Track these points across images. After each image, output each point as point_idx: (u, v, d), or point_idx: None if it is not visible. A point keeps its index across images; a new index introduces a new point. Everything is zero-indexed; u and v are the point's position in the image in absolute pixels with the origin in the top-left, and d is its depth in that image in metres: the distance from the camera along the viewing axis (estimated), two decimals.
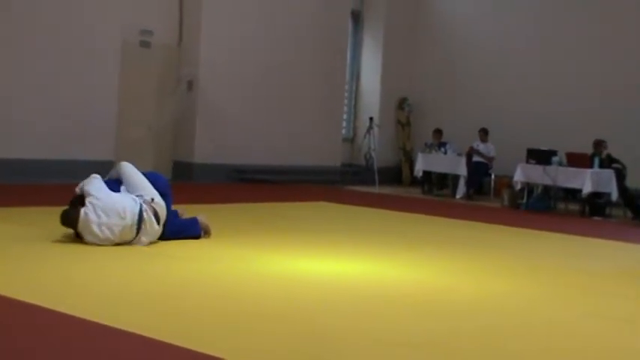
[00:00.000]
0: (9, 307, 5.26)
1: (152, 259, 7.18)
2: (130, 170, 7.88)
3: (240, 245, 8.13)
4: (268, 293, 6.26)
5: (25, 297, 5.41)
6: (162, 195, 7.81)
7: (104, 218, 7.25)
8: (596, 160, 13.99)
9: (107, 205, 7.30)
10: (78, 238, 7.43)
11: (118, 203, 7.36)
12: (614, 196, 13.86)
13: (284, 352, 4.68)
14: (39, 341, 4.59)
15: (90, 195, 7.32)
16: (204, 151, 15.22)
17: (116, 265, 6.81)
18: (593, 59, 16.46)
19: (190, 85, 15.24)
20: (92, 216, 7.23)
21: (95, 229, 7.23)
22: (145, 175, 7.97)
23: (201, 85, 15.21)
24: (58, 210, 7.60)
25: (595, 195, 13.85)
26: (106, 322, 4.88)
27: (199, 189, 13.85)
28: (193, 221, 8.27)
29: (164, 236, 7.79)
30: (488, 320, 5.88)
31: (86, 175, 7.81)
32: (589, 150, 14.31)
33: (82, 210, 7.25)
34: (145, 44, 14.75)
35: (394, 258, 8.21)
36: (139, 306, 5.54)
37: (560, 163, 14.14)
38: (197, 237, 8.19)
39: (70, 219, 7.33)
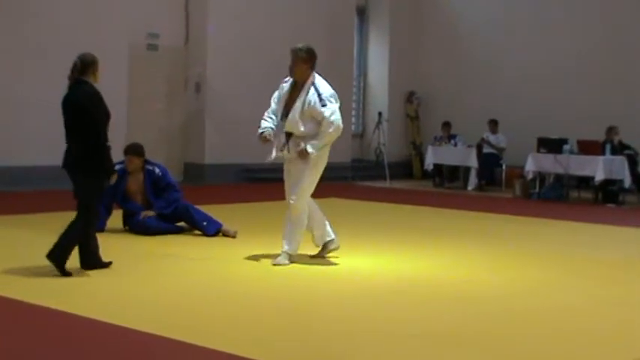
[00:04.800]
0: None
1: (166, 260, 7.22)
2: None
3: (264, 245, 8.09)
4: (284, 290, 6.31)
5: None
6: (173, 185, 8.83)
7: None
8: (608, 147, 13.93)
9: None
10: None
11: None
12: (627, 182, 13.80)
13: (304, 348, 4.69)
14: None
15: None
16: (215, 151, 15.22)
17: (132, 272, 6.84)
18: (600, 45, 16.36)
19: (198, 86, 15.25)
20: None
21: None
22: (158, 166, 8.94)
23: (209, 86, 15.21)
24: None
25: (608, 182, 13.78)
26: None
27: (211, 190, 13.87)
28: (216, 222, 8.71)
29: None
30: (498, 307, 5.98)
31: None
32: (600, 137, 14.25)
33: None
34: (152, 47, 14.76)
35: (410, 251, 8.23)
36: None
37: (571, 152, 14.08)
38: (207, 234, 8.60)
39: None
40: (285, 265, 7.16)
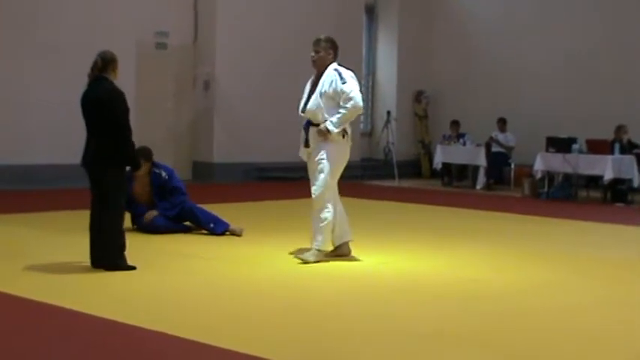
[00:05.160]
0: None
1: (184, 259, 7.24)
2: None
3: (273, 244, 8.10)
4: (299, 290, 6.33)
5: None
6: (178, 188, 8.64)
7: None
8: (617, 146, 13.89)
9: None
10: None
11: None
12: (636, 181, 13.76)
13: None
14: None
15: None
16: (224, 150, 15.23)
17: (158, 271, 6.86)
18: (608, 44, 16.32)
19: (207, 84, 15.26)
20: None
21: None
22: (165, 168, 8.80)
23: (218, 84, 15.23)
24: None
25: (617, 181, 13.75)
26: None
27: (220, 189, 13.89)
28: (223, 222, 8.66)
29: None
30: (502, 306, 5.97)
31: None
32: (608, 136, 14.21)
33: None
34: (161, 46, 14.79)
35: (417, 250, 8.23)
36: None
37: (580, 151, 14.05)
38: (214, 234, 8.59)
39: None
40: (309, 262, 7.15)
